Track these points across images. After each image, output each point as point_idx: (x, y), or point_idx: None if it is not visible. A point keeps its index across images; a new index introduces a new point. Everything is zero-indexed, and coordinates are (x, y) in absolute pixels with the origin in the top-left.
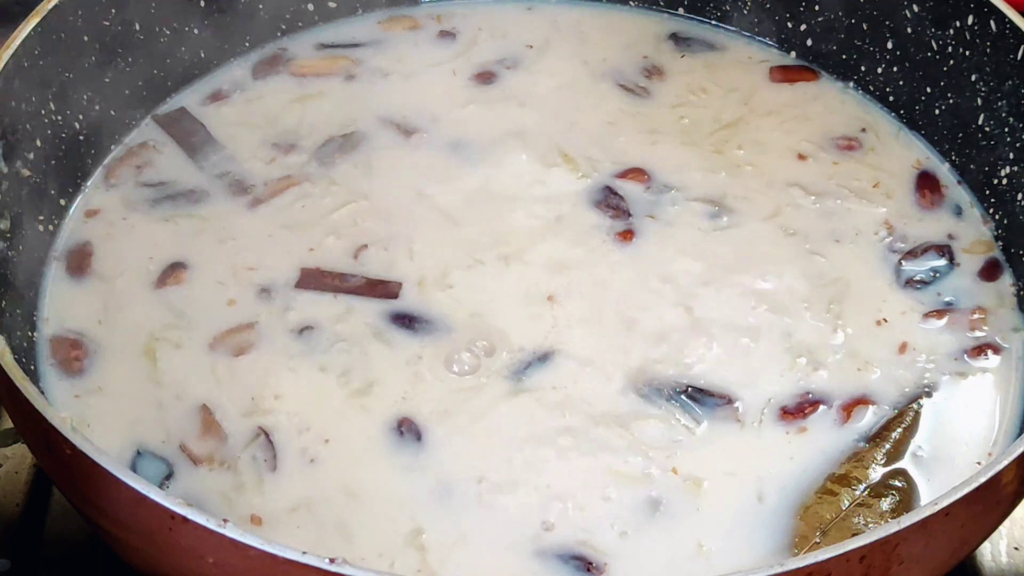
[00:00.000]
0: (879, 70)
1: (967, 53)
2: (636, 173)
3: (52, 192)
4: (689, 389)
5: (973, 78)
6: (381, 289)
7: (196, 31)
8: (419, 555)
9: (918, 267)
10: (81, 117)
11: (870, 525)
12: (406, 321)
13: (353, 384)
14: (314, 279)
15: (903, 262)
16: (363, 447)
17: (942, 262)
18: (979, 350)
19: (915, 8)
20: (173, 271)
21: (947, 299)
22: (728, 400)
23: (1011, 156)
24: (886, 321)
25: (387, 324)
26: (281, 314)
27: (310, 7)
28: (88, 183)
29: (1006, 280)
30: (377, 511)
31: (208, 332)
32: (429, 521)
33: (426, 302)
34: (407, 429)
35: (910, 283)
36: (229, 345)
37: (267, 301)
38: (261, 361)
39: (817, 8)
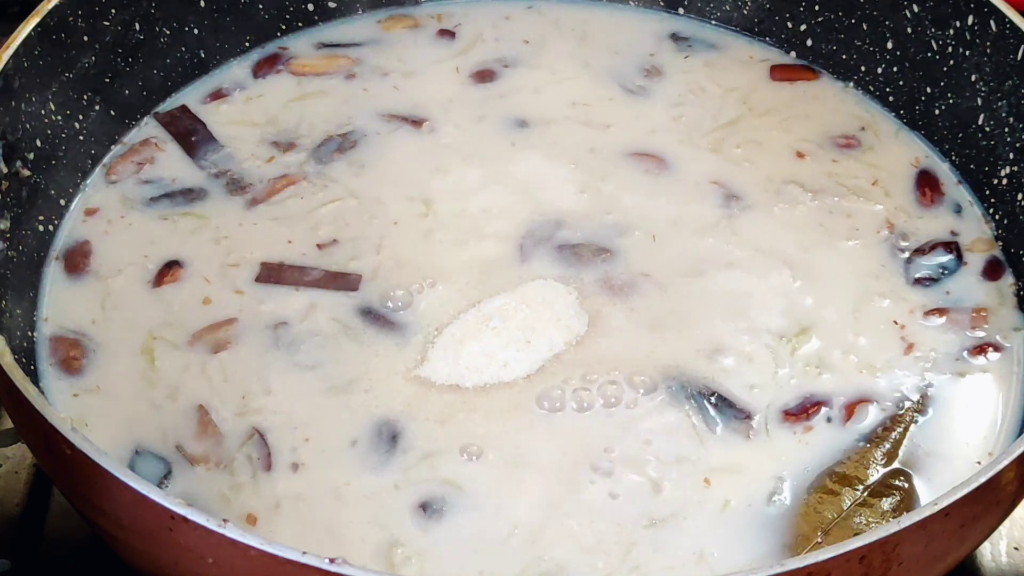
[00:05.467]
0: (879, 70)
1: (967, 53)
2: (650, 158)
3: (52, 192)
4: (713, 396)
5: (973, 78)
6: (341, 282)
7: (196, 31)
8: (397, 566)
9: (927, 264)
10: (81, 117)
11: (871, 525)
12: (373, 317)
13: (330, 382)
14: (275, 273)
15: (912, 259)
16: (346, 446)
17: (950, 259)
18: (980, 349)
19: (915, 8)
20: (169, 270)
21: (955, 297)
22: (746, 414)
23: (1011, 156)
24: (896, 323)
25: (355, 319)
26: (256, 308)
27: (310, 7)
28: (88, 182)
29: (1007, 279)
30: (362, 513)
31: (197, 330)
32: (408, 529)
33: (393, 298)
34: (387, 430)
35: (919, 281)
36: (208, 342)
37: (244, 297)
38: (245, 358)
39: (817, 8)
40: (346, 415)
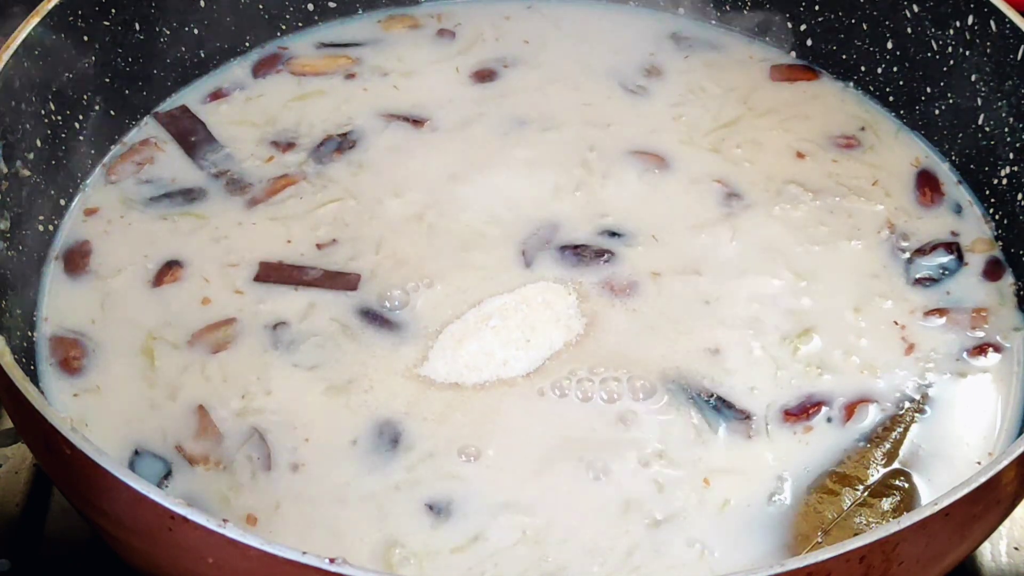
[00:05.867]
0: (879, 70)
1: (967, 53)
2: (650, 158)
3: (52, 192)
4: (713, 396)
5: (973, 78)
6: (340, 281)
7: (196, 31)
8: (396, 566)
9: (928, 264)
10: (81, 117)
11: (872, 525)
12: (372, 317)
13: (330, 381)
14: (273, 272)
15: (913, 259)
16: (346, 446)
17: (951, 259)
18: (980, 349)
19: (915, 8)
20: (169, 270)
21: (955, 297)
22: (746, 415)
23: (1011, 156)
24: (897, 323)
25: (354, 319)
26: (255, 308)
27: (310, 7)
28: (88, 182)
29: (1007, 279)
30: (362, 513)
31: (196, 330)
32: (408, 530)
33: (390, 297)
34: (387, 430)
35: (919, 281)
36: (208, 342)
37: (243, 297)
38: (245, 358)
39: (817, 8)
40: (346, 415)
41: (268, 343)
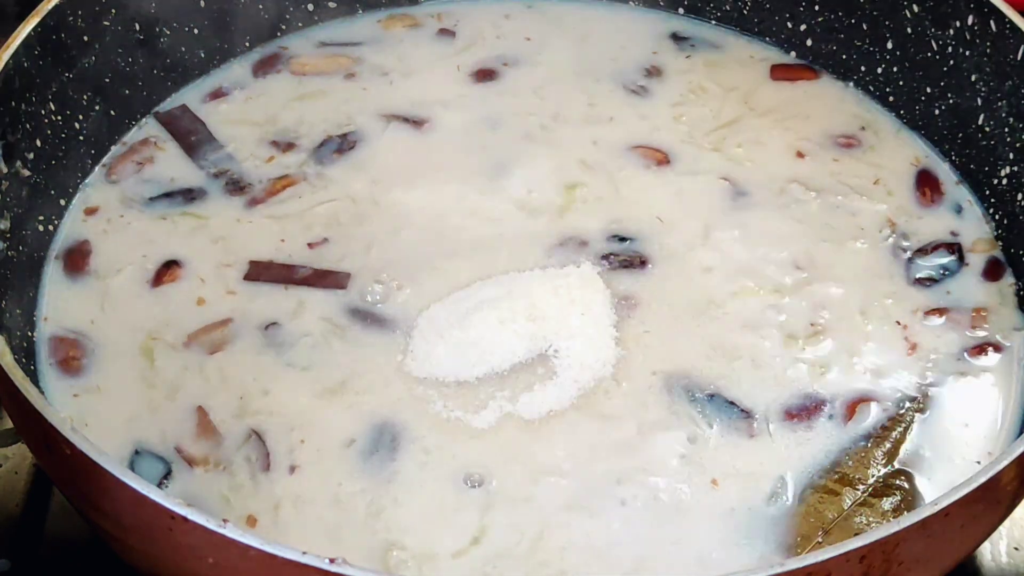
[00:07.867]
0: (879, 70)
1: (967, 53)
2: (653, 157)
3: (52, 192)
4: (716, 396)
5: (973, 78)
6: (329, 279)
7: (196, 31)
8: (394, 568)
9: (929, 264)
10: (81, 117)
11: (872, 525)
12: (363, 316)
13: (324, 383)
14: (263, 271)
15: (914, 259)
16: (342, 447)
17: (952, 260)
18: (980, 349)
19: (915, 8)
20: (168, 270)
21: (956, 297)
22: (748, 414)
23: (1011, 156)
24: (899, 323)
25: (344, 318)
26: (248, 308)
27: (310, 7)
28: (88, 182)
29: (1007, 279)
30: (359, 514)
31: (193, 331)
32: (406, 531)
33: (383, 295)
34: (382, 430)
35: (920, 281)
36: (204, 342)
37: (237, 297)
38: (242, 359)
39: (817, 8)
40: (341, 416)
41: (262, 344)
